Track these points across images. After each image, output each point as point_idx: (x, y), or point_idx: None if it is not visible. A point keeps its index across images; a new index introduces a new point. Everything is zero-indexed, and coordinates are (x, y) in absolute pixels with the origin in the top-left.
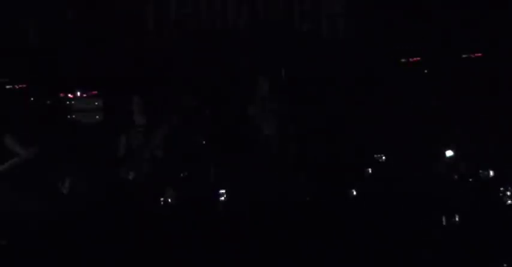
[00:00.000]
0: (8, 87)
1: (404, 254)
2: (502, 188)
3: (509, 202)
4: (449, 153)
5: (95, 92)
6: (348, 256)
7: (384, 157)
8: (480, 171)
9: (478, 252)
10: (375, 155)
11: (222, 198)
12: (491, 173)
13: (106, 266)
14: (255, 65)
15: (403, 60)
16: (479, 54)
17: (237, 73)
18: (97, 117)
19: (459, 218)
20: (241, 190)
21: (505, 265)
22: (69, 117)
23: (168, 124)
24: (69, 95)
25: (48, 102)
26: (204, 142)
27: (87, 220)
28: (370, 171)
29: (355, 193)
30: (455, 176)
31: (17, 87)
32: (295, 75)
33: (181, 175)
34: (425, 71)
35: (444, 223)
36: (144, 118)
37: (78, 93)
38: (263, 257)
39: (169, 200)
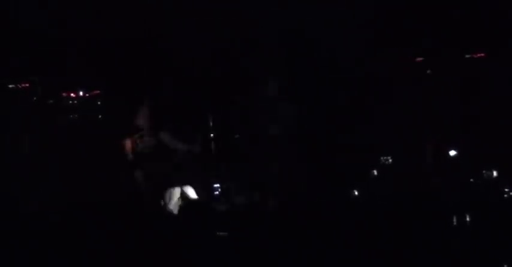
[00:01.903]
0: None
1: (407, 254)
2: (506, 189)
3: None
4: (452, 153)
5: (98, 91)
6: (349, 258)
7: (390, 160)
8: (484, 171)
9: (481, 253)
10: (382, 158)
11: (217, 192)
12: (495, 173)
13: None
14: (261, 66)
15: (409, 60)
16: (482, 55)
17: (243, 73)
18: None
19: (463, 219)
20: (245, 189)
21: (505, 266)
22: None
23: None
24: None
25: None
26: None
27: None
28: (375, 172)
29: (356, 193)
30: (459, 177)
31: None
32: (301, 75)
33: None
34: (428, 71)
35: (448, 224)
36: (151, 121)
37: (81, 93)
38: (263, 257)
39: (177, 202)
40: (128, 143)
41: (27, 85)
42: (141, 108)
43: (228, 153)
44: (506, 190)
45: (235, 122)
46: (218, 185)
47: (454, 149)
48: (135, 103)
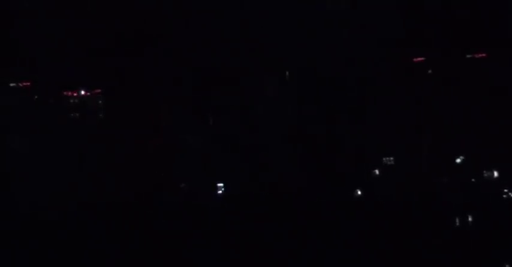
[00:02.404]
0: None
1: (408, 253)
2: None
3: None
4: (453, 153)
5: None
6: (350, 257)
7: (392, 160)
8: (484, 171)
9: (482, 252)
10: (384, 158)
11: (220, 191)
12: (495, 173)
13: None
14: (263, 65)
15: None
16: (483, 55)
17: (245, 73)
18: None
19: (464, 218)
20: (246, 188)
21: (506, 266)
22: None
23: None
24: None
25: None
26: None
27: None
28: (377, 172)
29: (359, 192)
30: (460, 177)
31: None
32: (303, 75)
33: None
34: (430, 71)
35: (449, 223)
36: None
37: (82, 92)
38: (267, 255)
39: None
40: (150, 142)
41: (28, 84)
42: (161, 107)
43: (229, 152)
44: (505, 190)
45: (236, 121)
46: (221, 184)
47: (455, 150)
48: (148, 103)
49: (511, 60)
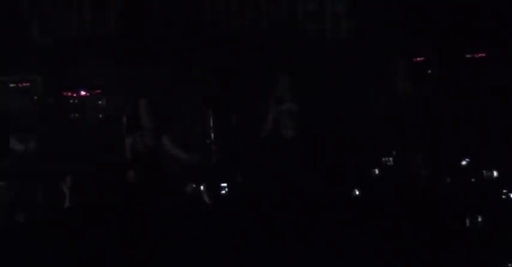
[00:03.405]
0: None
1: (407, 255)
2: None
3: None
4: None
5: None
6: (349, 258)
7: (392, 160)
8: (484, 171)
9: (482, 253)
10: (383, 159)
11: (224, 192)
12: (495, 173)
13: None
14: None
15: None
16: (482, 54)
17: (245, 72)
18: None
19: (463, 218)
20: (253, 188)
21: (509, 265)
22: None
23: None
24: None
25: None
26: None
27: (89, 220)
28: (376, 172)
29: (357, 192)
30: (460, 177)
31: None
32: (303, 75)
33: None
34: (429, 71)
35: (449, 224)
36: (152, 121)
37: (82, 92)
38: (266, 255)
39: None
40: (128, 142)
41: (27, 84)
42: (144, 106)
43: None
44: (504, 190)
45: (238, 122)
46: (225, 184)
47: (454, 150)
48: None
49: (511, 60)
